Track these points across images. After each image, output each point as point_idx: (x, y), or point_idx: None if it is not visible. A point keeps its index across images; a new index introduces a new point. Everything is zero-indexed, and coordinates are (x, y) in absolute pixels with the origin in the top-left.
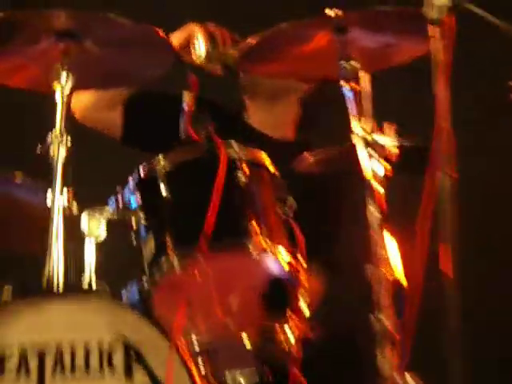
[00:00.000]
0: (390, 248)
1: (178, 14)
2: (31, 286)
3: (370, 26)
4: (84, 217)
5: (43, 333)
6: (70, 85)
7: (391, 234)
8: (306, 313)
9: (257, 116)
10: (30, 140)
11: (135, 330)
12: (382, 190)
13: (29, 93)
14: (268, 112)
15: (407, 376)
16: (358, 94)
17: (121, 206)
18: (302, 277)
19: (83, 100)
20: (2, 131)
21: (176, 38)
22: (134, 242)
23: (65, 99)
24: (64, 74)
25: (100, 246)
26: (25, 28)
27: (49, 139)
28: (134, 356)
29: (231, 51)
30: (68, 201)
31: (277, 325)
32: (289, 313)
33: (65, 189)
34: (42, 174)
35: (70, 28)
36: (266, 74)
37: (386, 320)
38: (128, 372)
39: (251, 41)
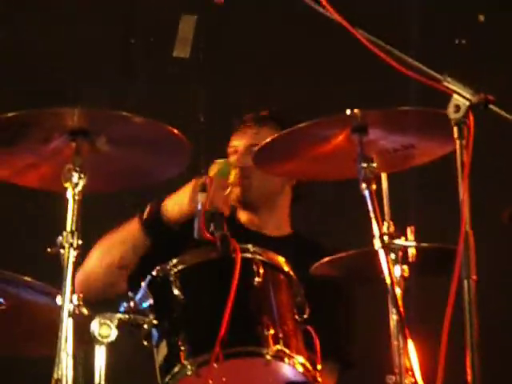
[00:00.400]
0: (410, 354)
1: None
2: None
3: (390, 125)
4: (95, 323)
5: None
6: (81, 184)
7: (410, 338)
8: None
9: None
10: (42, 241)
11: None
12: (399, 292)
13: (41, 192)
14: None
15: None
16: (377, 196)
17: (133, 309)
18: None
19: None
20: (12, 231)
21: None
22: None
23: (76, 199)
24: (75, 173)
25: (110, 349)
26: (37, 126)
27: (59, 241)
28: None
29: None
30: (78, 304)
31: None
32: None
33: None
34: (53, 275)
35: (82, 126)
36: (282, 173)
37: None
38: None
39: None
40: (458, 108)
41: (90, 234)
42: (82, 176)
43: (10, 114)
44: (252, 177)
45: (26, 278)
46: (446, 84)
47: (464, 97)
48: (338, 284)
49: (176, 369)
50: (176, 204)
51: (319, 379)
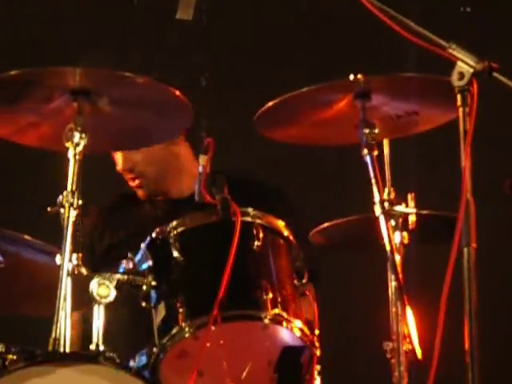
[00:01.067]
0: (408, 320)
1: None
2: (38, 350)
3: (393, 92)
4: (94, 283)
5: None
6: (82, 144)
7: (409, 305)
8: None
9: None
10: (43, 200)
11: None
12: (398, 259)
13: (42, 151)
14: None
15: None
16: (378, 162)
17: (132, 270)
18: (317, 350)
19: None
20: (13, 190)
21: None
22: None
23: (77, 159)
24: (77, 133)
25: (108, 309)
26: (39, 85)
27: (59, 200)
28: None
29: None
30: (77, 264)
31: None
32: None
33: (74, 254)
34: (53, 235)
35: (84, 86)
36: (283, 138)
37: None
38: None
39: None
40: (461, 75)
41: (89, 194)
42: (84, 136)
43: (12, 72)
44: (144, 171)
45: (26, 237)
46: (450, 51)
47: (468, 64)
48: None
49: (174, 330)
50: None
51: (317, 344)
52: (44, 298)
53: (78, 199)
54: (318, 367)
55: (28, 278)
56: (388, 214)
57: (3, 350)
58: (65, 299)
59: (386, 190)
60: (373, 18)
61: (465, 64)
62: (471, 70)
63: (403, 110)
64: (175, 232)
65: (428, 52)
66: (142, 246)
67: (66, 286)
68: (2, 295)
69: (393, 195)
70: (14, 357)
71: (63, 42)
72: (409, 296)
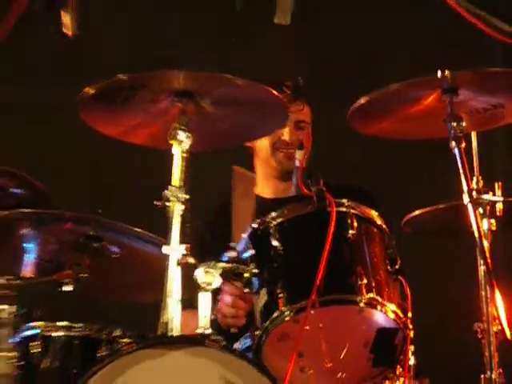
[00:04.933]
0: (497, 302)
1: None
2: (149, 334)
3: (480, 86)
4: (199, 271)
5: (160, 379)
6: (187, 142)
7: (497, 288)
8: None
9: None
10: (150, 195)
11: (244, 379)
12: (487, 244)
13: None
14: None
15: None
16: (466, 154)
17: (235, 259)
18: (410, 332)
19: None
20: (124, 184)
21: None
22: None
23: (182, 156)
24: (181, 132)
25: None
26: (146, 88)
27: (165, 194)
28: None
29: None
30: (185, 254)
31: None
32: (398, 370)
33: (183, 245)
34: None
35: (187, 88)
36: (375, 132)
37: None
38: None
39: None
40: None
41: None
42: (187, 134)
43: (122, 77)
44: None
45: (137, 229)
46: None
47: None
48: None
49: (275, 314)
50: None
51: (410, 326)
52: (154, 286)
53: (183, 194)
54: (411, 347)
55: (139, 268)
56: (476, 202)
57: (120, 334)
58: (172, 286)
59: (474, 180)
60: (459, 15)
61: None
62: None
63: (489, 104)
64: (274, 223)
65: None
66: (244, 236)
67: (173, 274)
68: (118, 283)
69: (480, 184)
70: (129, 340)
71: (168, 45)
72: (497, 280)
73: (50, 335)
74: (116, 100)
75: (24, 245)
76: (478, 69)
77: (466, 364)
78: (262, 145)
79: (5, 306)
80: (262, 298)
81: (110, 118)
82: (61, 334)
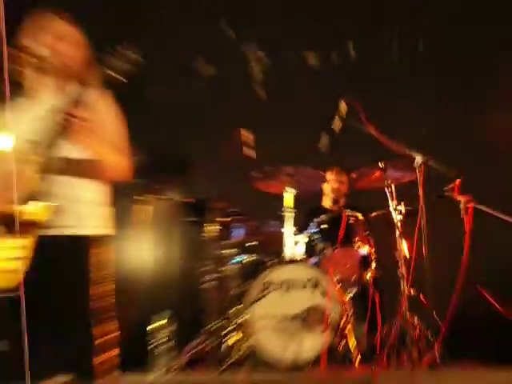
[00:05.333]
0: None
1: None
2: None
3: None
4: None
5: (282, 276)
6: None
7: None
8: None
9: None
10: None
11: (320, 275)
12: None
13: None
14: None
15: None
16: None
17: (310, 232)
18: (373, 256)
19: None
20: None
21: None
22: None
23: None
24: None
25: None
26: None
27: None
28: (317, 283)
29: None
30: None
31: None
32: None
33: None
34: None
35: None
36: None
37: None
38: (315, 287)
39: None
40: None
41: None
42: None
43: None
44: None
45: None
46: None
47: None
48: None
49: (324, 251)
50: None
51: (373, 256)
52: None
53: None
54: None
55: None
56: None
57: None
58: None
59: None
60: None
61: None
62: None
63: None
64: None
65: None
66: (315, 221)
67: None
68: None
69: None
70: None
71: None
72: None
73: None
74: None
75: None
76: None
77: None
78: None
79: None
80: (319, 246)
81: None
82: None
